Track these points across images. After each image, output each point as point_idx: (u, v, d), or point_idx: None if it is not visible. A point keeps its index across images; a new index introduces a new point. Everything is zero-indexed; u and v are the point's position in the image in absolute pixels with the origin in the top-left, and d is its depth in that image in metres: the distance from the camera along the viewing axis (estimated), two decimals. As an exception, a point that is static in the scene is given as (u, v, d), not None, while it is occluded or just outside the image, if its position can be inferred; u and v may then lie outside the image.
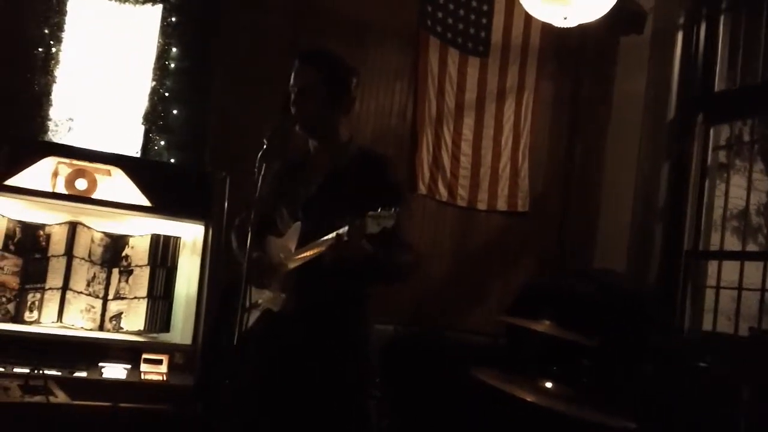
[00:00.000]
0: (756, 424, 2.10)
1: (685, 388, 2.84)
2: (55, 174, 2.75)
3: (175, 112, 3.43)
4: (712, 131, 3.92)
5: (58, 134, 3.26)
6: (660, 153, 3.98)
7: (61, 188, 2.73)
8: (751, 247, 3.97)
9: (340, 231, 1.85)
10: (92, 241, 2.80)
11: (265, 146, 2.03)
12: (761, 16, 3.68)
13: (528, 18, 4.06)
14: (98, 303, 2.77)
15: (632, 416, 2.18)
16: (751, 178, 3.78)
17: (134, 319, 2.76)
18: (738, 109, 3.82)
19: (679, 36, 3.98)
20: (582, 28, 3.58)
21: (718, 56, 3.91)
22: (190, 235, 2.88)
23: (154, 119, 3.39)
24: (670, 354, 3.03)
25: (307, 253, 2.00)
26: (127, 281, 2.81)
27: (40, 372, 2.34)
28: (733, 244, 3.89)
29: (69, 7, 3.30)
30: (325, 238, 1.91)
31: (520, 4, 3.57)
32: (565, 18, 3.40)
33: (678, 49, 3.98)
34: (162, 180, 2.84)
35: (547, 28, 4.06)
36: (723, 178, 3.90)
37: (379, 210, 1.80)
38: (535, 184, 4.25)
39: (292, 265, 2.06)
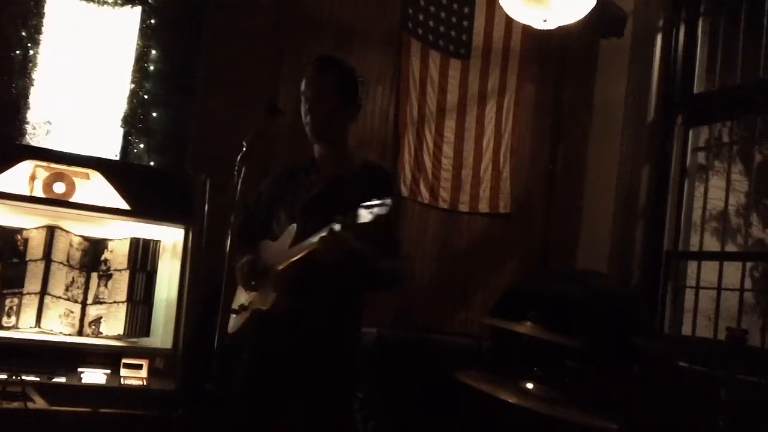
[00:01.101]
0: (734, 425, 2.12)
1: (665, 389, 2.86)
2: (33, 177, 2.71)
3: (155, 114, 3.41)
4: (691, 133, 3.96)
5: (36, 137, 3.23)
6: (640, 154, 4.01)
7: (39, 192, 2.70)
8: (730, 248, 3.99)
9: (333, 226, 1.84)
10: (71, 245, 2.76)
11: (244, 149, 2.03)
12: (739, 19, 3.73)
13: (509, 21, 4.09)
14: (77, 308, 2.74)
15: (614, 417, 2.20)
16: (730, 179, 3.81)
17: (114, 323, 2.73)
18: (717, 111, 3.86)
19: (659, 39, 4.02)
20: (562, 31, 3.61)
21: (697, 59, 3.95)
22: (171, 238, 2.86)
23: (133, 122, 3.36)
24: (651, 354, 3.05)
25: (300, 252, 1.97)
26: (106, 285, 2.78)
27: (18, 378, 2.30)
28: (712, 244, 3.93)
29: (47, 9, 3.27)
30: (318, 234, 1.89)
31: (501, 7, 3.59)
32: (545, 20, 3.42)
33: (657, 52, 4.01)
34: (141, 183, 2.81)
35: (528, 31, 4.09)
36: (702, 180, 3.94)
37: (372, 201, 1.79)
38: (518, 186, 4.27)
39: (283, 265, 2.03)
